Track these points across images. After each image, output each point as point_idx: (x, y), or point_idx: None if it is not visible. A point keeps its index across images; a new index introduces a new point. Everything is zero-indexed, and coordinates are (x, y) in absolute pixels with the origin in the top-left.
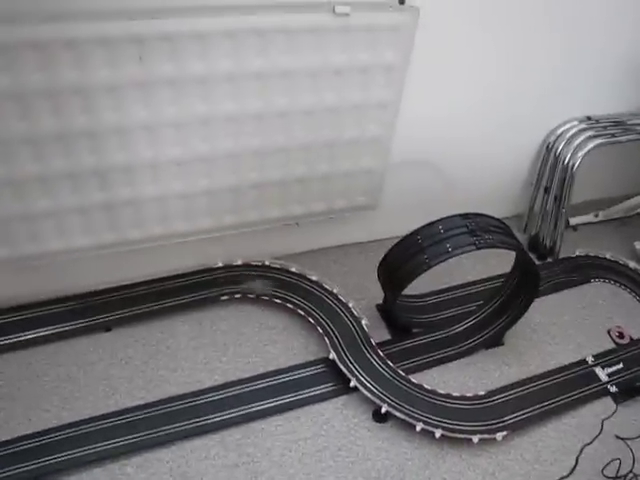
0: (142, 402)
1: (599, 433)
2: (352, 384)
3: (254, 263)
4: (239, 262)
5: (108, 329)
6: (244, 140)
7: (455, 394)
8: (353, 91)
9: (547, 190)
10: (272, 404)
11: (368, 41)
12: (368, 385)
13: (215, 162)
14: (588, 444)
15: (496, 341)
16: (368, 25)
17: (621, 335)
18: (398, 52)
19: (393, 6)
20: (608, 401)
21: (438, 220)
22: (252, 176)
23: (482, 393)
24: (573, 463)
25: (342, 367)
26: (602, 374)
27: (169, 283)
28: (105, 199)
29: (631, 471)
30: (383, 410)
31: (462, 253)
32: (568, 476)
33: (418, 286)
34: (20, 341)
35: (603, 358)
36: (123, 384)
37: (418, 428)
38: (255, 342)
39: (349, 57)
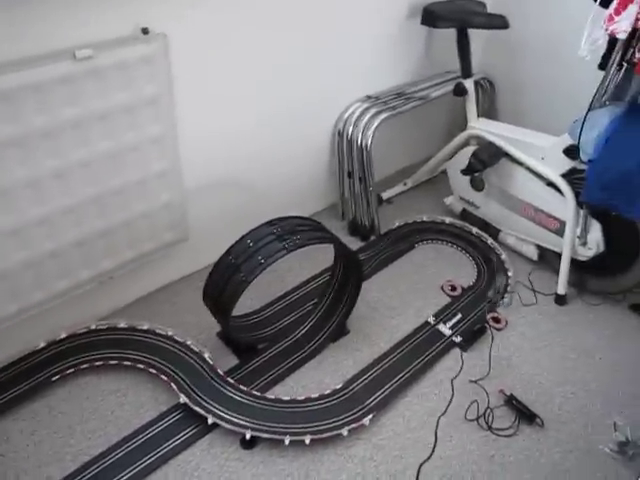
0: None
1: (452, 395)
2: (210, 421)
3: (80, 331)
4: (63, 335)
5: None
6: (27, 210)
7: (314, 396)
8: (124, 132)
9: (350, 174)
10: (136, 470)
11: (122, 78)
12: (226, 417)
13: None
14: (443, 414)
15: (341, 332)
16: (117, 63)
17: (453, 288)
18: (157, 83)
19: (138, 37)
20: (456, 352)
21: (246, 234)
22: (47, 243)
23: (340, 386)
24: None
25: (196, 407)
26: (445, 329)
27: None
28: None
29: (488, 407)
30: (248, 436)
31: (275, 261)
32: (436, 442)
33: (252, 303)
34: None
35: (442, 314)
36: None
37: (287, 441)
38: (102, 412)
39: (108, 100)
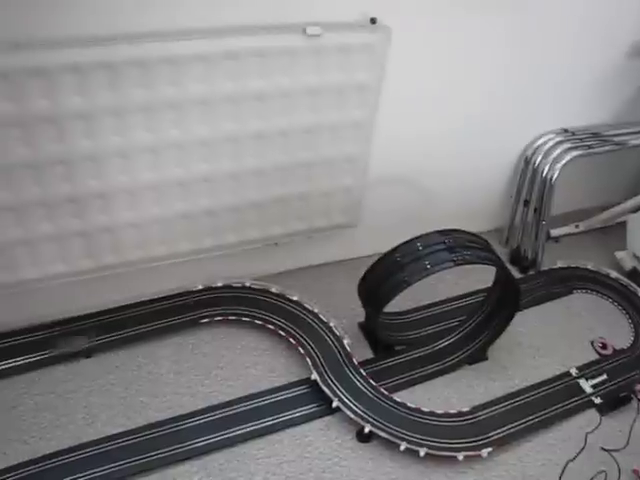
0: (123, 429)
1: (583, 448)
2: (334, 405)
3: (235, 284)
4: (219, 284)
5: (88, 356)
6: (220, 163)
7: (439, 411)
8: (328, 111)
9: (527, 203)
10: (254, 427)
11: (341, 61)
12: (351, 405)
13: (192, 186)
14: (572, 460)
15: (480, 356)
16: (340, 45)
17: (604, 346)
18: (371, 71)
19: (365, 26)
20: (593, 413)
21: (417, 237)
22: (230, 198)
23: (466, 409)
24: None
25: (324, 388)
26: (586, 386)
27: (148, 307)
28: (80, 226)
29: None
30: (366, 430)
31: (440, 270)
32: None
33: (400, 303)
34: None
35: (587, 370)
36: (104, 412)
37: (402, 447)
38: (237, 365)
39: (322, 78)
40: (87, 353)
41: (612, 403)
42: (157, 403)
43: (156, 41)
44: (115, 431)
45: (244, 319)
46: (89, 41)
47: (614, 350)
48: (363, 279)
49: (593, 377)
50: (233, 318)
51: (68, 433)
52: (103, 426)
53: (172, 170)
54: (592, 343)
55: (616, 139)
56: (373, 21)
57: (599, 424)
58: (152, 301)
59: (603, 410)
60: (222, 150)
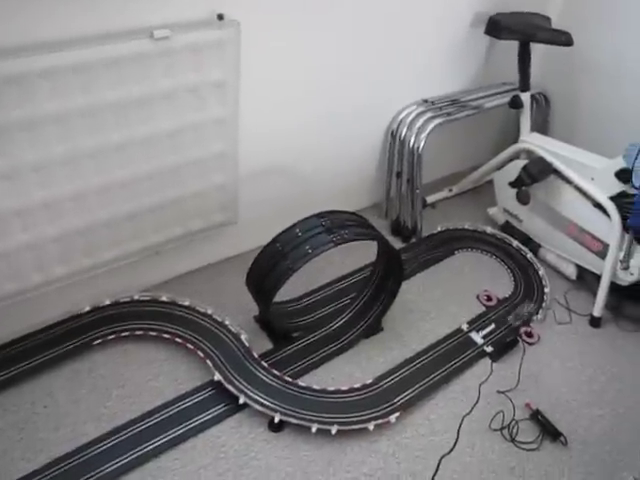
0: (24, 473)
1: (477, 400)
2: (242, 401)
3: (123, 299)
4: (107, 302)
5: None
6: (86, 179)
7: (344, 388)
8: (188, 112)
9: (399, 175)
10: (165, 439)
11: (193, 61)
12: (257, 398)
13: (59, 206)
14: (468, 414)
15: (375, 328)
16: (190, 45)
17: (489, 298)
18: (226, 68)
19: (212, 23)
20: (486, 361)
21: (295, 224)
22: (101, 214)
23: (370, 381)
24: (464, 428)
25: (229, 386)
26: (477, 337)
27: (35, 339)
28: None
29: (513, 418)
30: (277, 420)
31: (322, 252)
32: (457, 442)
33: (292, 290)
34: None
35: (476, 322)
36: None
37: (314, 429)
38: (138, 380)
39: (177, 79)
40: None
41: (502, 349)
42: (59, 437)
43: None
44: (17, 476)
45: (137, 333)
46: None
47: (498, 300)
48: (249, 273)
49: (482, 328)
50: (126, 334)
51: None
52: (2, 475)
53: (35, 191)
54: (478, 297)
55: (473, 104)
56: (220, 17)
57: (492, 372)
58: (37, 332)
59: (494, 357)
60: (85, 166)
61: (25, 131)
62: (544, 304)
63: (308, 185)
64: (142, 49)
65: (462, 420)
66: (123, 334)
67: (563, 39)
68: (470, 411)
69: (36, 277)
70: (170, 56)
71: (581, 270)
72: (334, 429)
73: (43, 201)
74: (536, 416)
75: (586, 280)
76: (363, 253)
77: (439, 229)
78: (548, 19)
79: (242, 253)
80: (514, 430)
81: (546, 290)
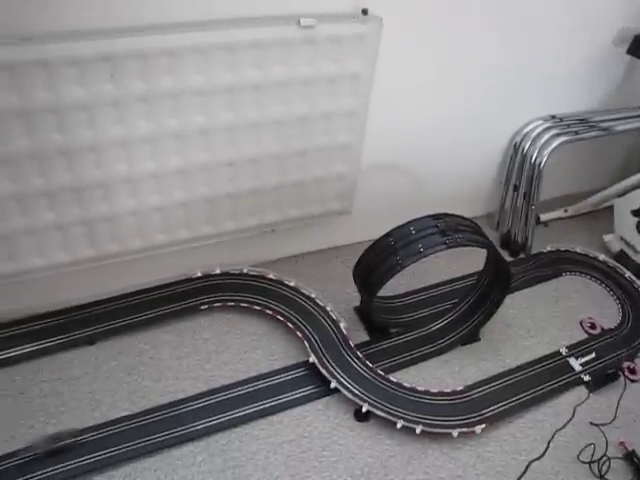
0: (127, 413)
1: (571, 418)
2: (332, 386)
3: (233, 271)
4: (218, 271)
5: (92, 343)
6: (218, 152)
7: (434, 390)
8: (322, 100)
9: (516, 188)
10: (255, 409)
11: (333, 52)
12: (348, 386)
13: (190, 174)
14: (560, 429)
15: (472, 337)
16: (333, 36)
17: (593, 326)
18: (363, 61)
19: (357, 17)
20: (582, 390)
21: (409, 222)
22: (227, 186)
23: (460, 388)
24: (550, 452)
25: (322, 370)
26: (576, 364)
27: (150, 295)
28: (82, 215)
29: (605, 454)
30: (364, 409)
31: (433, 253)
32: (539, 458)
33: (395, 287)
34: (3, 359)
35: (576, 349)
36: (108, 397)
37: (399, 425)
38: (236, 349)
39: (316, 68)
40: (90, 340)
41: (600, 380)
42: (159, 387)
43: (154, 34)
44: (119, 415)
45: (243, 305)
46: (88, 34)
47: (602, 329)
48: (358, 263)
49: (582, 355)
50: (232, 304)
51: (73, 417)
52: (107, 410)
53: (171, 159)
54: (581, 323)
55: (603, 125)
56: (365, 12)
57: (587, 398)
58: (152, 289)
59: (591, 387)
60: (219, 139)
61: (173, 99)
62: None
63: (423, 185)
64: (288, 35)
65: (548, 444)
66: (229, 304)
67: None
68: (563, 427)
69: (161, 237)
70: (313, 44)
71: None
72: (419, 429)
73: (177, 168)
74: (631, 457)
75: None
76: (469, 260)
77: (549, 248)
78: None
79: (351, 244)
80: (604, 467)
81: None
